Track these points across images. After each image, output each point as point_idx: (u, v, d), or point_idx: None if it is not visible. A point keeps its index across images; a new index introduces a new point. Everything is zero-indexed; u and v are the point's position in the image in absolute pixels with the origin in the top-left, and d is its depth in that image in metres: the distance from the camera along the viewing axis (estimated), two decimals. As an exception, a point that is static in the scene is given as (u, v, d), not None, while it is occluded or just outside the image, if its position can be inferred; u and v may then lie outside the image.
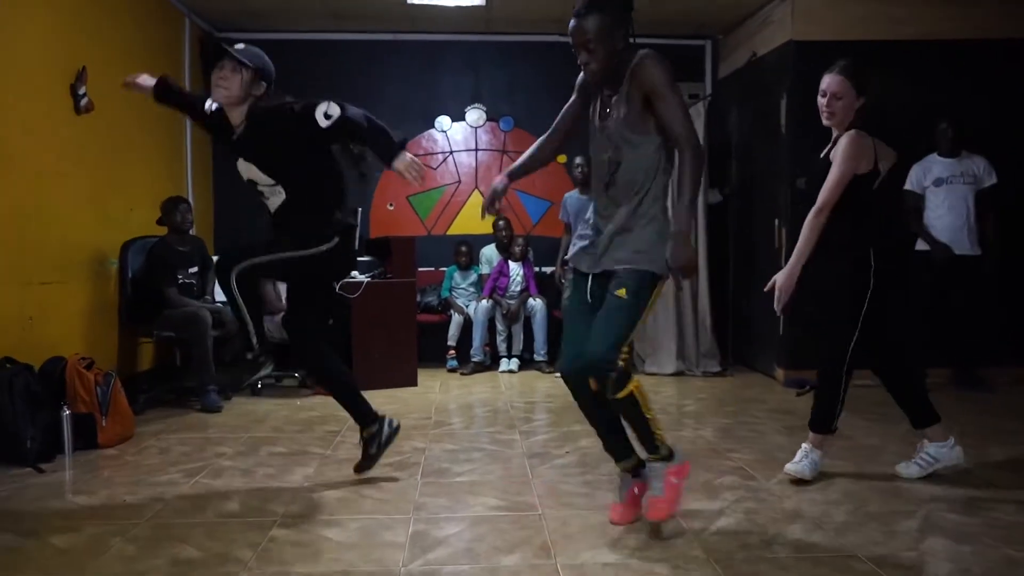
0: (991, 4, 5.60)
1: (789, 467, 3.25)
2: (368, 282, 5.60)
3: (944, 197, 5.21)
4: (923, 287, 5.25)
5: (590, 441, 3.64)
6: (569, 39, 2.54)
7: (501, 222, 6.49)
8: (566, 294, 3.15)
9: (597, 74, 2.56)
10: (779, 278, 3.13)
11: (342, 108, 2.96)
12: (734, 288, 6.77)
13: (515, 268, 6.43)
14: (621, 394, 2.49)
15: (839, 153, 3.11)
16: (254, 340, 3.24)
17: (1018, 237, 5.49)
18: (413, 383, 5.66)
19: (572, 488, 3.18)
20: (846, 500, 3.01)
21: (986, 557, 2.43)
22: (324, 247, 3.09)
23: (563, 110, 2.87)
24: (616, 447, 2.80)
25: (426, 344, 6.19)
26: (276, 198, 3.10)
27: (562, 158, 6.69)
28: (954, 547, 2.52)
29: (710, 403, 5.04)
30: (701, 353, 6.21)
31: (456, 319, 6.39)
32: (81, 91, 4.52)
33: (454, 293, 6.57)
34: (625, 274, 2.52)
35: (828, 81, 3.19)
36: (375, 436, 3.31)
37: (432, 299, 6.59)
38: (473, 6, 6.09)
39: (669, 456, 2.65)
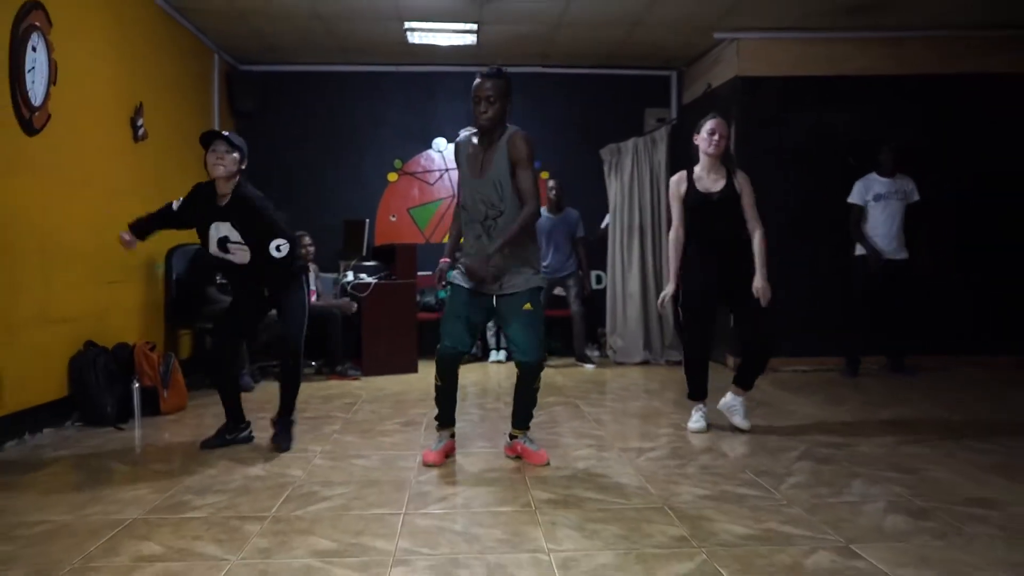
0: (914, 44, 6.56)
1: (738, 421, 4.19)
2: (375, 284, 6.51)
3: (882, 210, 6.12)
4: (860, 286, 6.16)
5: (559, 408, 4.56)
6: (473, 93, 3.43)
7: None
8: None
9: (491, 121, 3.44)
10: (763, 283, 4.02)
11: (291, 244, 3.80)
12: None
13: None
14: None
15: (747, 185, 4.05)
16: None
17: (941, 244, 6.44)
18: (414, 370, 6.57)
19: (542, 438, 4.09)
20: (751, 442, 3.93)
21: (837, 472, 3.35)
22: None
23: (458, 187, 3.67)
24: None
25: (425, 339, 7.09)
26: (242, 254, 3.84)
27: (544, 174, 7.65)
28: (817, 466, 3.44)
29: (667, 383, 5.95)
30: (665, 345, 7.14)
31: (451, 316, 7.29)
32: (139, 123, 5.45)
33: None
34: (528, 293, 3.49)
35: (718, 123, 4.12)
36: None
37: (430, 299, 7.50)
38: (465, 44, 7.03)
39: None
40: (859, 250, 6.21)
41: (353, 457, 3.67)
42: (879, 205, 6.14)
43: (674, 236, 4.22)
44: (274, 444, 3.86)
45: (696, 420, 4.22)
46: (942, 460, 3.53)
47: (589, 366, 6.81)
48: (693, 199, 4.14)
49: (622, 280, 7.23)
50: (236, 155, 3.77)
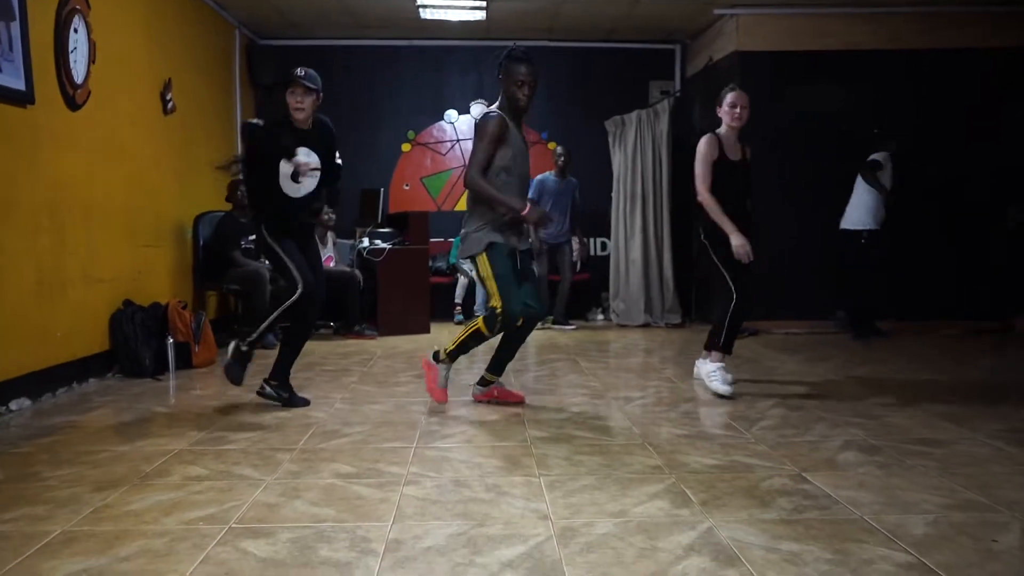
0: (898, 20, 6.80)
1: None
2: (390, 249, 6.89)
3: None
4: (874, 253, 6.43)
5: (560, 364, 4.95)
6: (525, 77, 3.73)
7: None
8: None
9: (531, 103, 3.81)
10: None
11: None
12: (696, 255, 8.03)
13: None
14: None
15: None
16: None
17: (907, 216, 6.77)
18: (426, 331, 6.96)
19: (540, 388, 4.47)
20: (734, 393, 4.29)
21: (805, 418, 3.71)
22: None
23: (488, 156, 3.80)
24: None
25: (437, 302, 7.49)
26: (311, 181, 4.07)
27: (552, 144, 7.97)
28: (787, 412, 3.81)
29: (665, 344, 6.32)
30: (665, 308, 7.49)
31: (462, 281, 7.68)
32: (168, 96, 5.81)
33: (459, 260, 7.85)
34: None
35: (739, 96, 4.40)
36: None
37: (442, 264, 7.88)
38: (474, 20, 7.31)
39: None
40: (863, 224, 6.45)
41: (369, 403, 4.07)
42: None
43: (710, 196, 4.27)
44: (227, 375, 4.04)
45: (726, 380, 4.27)
46: (902, 409, 3.88)
47: (569, 327, 7.18)
48: (722, 164, 4.30)
49: (625, 247, 7.56)
50: (313, 97, 3.94)
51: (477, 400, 4.09)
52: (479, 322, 3.84)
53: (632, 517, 2.39)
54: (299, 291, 3.87)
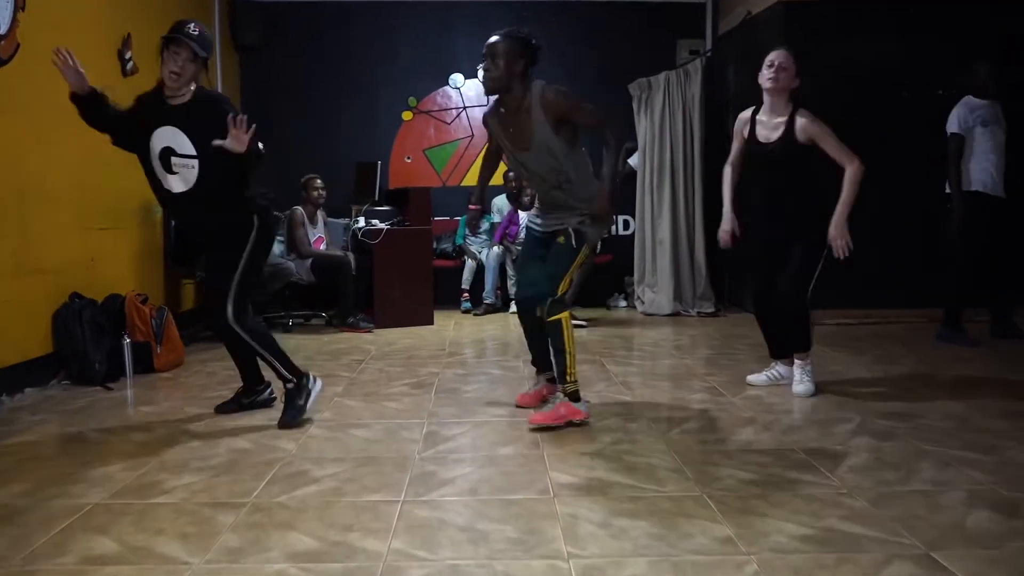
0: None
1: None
2: (387, 230, 6.10)
3: (991, 137, 5.04)
4: (968, 229, 5.04)
5: (584, 367, 4.17)
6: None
7: (511, 173, 6.91)
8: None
9: (494, 82, 3.27)
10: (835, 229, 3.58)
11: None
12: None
13: (524, 216, 6.89)
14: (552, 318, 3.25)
15: (814, 125, 3.61)
16: (287, 374, 3.43)
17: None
18: (430, 322, 6.19)
19: (564, 402, 3.70)
20: (797, 411, 3.51)
21: (902, 451, 2.92)
22: (257, 222, 3.35)
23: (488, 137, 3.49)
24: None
25: (441, 288, 6.72)
26: (188, 172, 3.23)
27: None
28: (877, 443, 3.02)
29: (699, 338, 5.53)
30: (697, 295, 6.68)
31: (469, 264, 6.89)
32: (127, 56, 5.01)
33: (467, 240, 7.06)
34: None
35: (778, 54, 3.63)
36: (304, 388, 3.41)
37: (447, 246, 7.09)
38: (484, -31, 6.46)
39: (574, 397, 3.29)
40: (964, 186, 5.11)
41: (353, 426, 3.31)
42: (987, 132, 5.02)
43: (727, 170, 3.98)
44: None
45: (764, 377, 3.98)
46: (1021, 435, 3.09)
47: (583, 326, 6.10)
48: (751, 146, 3.77)
49: (652, 226, 6.75)
50: (191, 58, 3.17)
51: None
52: (564, 318, 3.25)
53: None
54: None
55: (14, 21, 3.82)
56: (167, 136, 3.22)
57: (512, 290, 6.83)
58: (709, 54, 7.11)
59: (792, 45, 5.80)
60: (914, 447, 2.96)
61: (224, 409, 3.57)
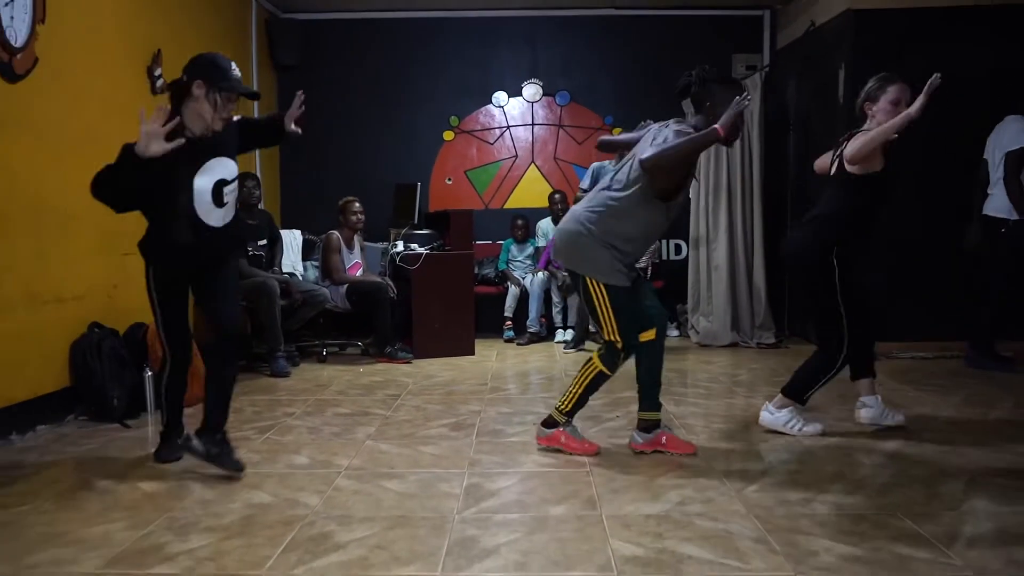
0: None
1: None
2: (427, 254, 5.78)
3: None
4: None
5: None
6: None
7: (557, 195, 6.56)
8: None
9: None
10: None
11: None
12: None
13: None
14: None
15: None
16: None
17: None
18: (471, 352, 5.83)
19: (620, 449, 3.30)
20: (892, 464, 3.06)
21: (1026, 517, 2.47)
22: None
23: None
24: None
25: (483, 315, 6.38)
26: (231, 197, 3.07)
27: (617, 130, 6.77)
28: (995, 508, 2.57)
29: (762, 373, 5.08)
30: (756, 325, 6.23)
31: (513, 291, 6.53)
32: (157, 73, 4.78)
33: (511, 265, 6.71)
34: None
35: (904, 90, 3.34)
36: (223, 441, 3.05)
37: (489, 271, 6.75)
38: (529, -18, 6.17)
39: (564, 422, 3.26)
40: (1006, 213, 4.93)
41: (385, 476, 2.95)
42: None
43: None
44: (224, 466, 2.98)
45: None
46: None
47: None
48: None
49: (707, 251, 6.33)
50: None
51: (636, 450, 3.24)
52: (596, 363, 3.17)
53: None
54: (168, 365, 3.20)
55: (32, 34, 3.59)
56: (217, 168, 2.98)
57: (557, 318, 6.47)
58: (767, 68, 6.71)
59: (861, 55, 5.51)
60: (1042, 513, 2.51)
61: (164, 457, 3.19)
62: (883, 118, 3.29)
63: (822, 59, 5.96)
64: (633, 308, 3.14)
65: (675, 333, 6.73)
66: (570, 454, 3.19)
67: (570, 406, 3.25)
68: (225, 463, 2.97)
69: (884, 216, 3.51)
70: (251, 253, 5.28)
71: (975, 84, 5.35)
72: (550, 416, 3.30)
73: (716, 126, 2.91)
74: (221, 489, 2.82)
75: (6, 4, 3.41)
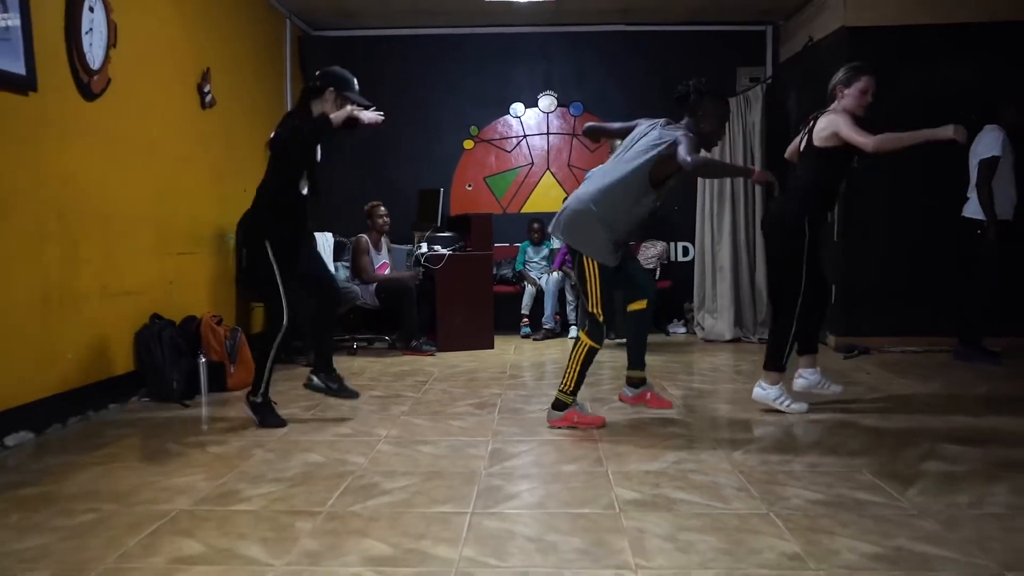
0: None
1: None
2: (450, 255, 6.23)
3: (1011, 167, 5.30)
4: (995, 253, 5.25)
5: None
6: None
7: (570, 200, 6.98)
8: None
9: None
10: None
11: None
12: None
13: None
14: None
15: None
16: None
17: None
18: (490, 346, 6.27)
19: (624, 423, 3.73)
20: (865, 436, 3.47)
21: (973, 476, 2.87)
22: None
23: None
24: None
25: (501, 313, 6.81)
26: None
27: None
28: (947, 467, 2.97)
29: (760, 363, 5.46)
30: (757, 322, 6.64)
31: (529, 290, 6.97)
32: (206, 89, 5.26)
33: (527, 266, 7.14)
34: None
35: (872, 83, 3.79)
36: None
37: (507, 271, 7.19)
38: (543, 1, 6.60)
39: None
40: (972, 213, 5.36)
41: (420, 443, 3.39)
42: (1008, 161, 5.30)
43: (880, 138, 3.58)
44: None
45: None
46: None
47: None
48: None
49: (712, 252, 6.74)
50: None
51: (623, 400, 4.06)
52: (585, 340, 3.62)
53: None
54: (283, 326, 3.68)
55: (107, 58, 4.07)
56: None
57: (571, 315, 6.89)
58: (770, 80, 7.12)
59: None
60: (986, 472, 2.91)
61: (273, 422, 3.74)
62: (849, 103, 3.76)
63: (819, 73, 6.35)
64: (619, 281, 3.78)
65: (682, 330, 7.14)
66: (583, 429, 3.60)
67: (572, 385, 3.64)
68: (344, 393, 4.01)
69: (843, 189, 3.96)
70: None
71: (965, 97, 5.74)
72: (557, 399, 3.68)
73: (754, 169, 3.80)
74: (279, 451, 3.27)
75: (87, 32, 3.89)
